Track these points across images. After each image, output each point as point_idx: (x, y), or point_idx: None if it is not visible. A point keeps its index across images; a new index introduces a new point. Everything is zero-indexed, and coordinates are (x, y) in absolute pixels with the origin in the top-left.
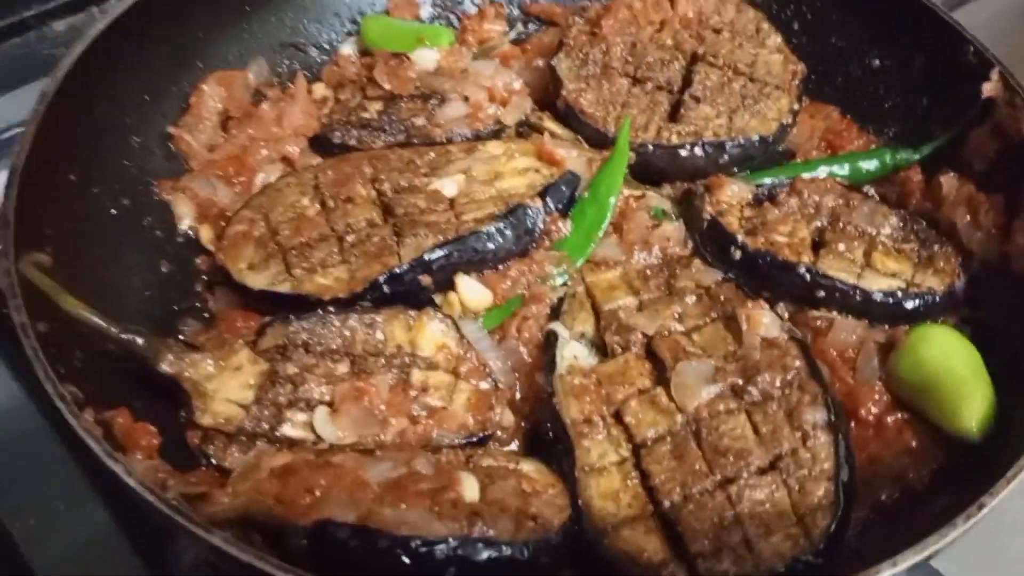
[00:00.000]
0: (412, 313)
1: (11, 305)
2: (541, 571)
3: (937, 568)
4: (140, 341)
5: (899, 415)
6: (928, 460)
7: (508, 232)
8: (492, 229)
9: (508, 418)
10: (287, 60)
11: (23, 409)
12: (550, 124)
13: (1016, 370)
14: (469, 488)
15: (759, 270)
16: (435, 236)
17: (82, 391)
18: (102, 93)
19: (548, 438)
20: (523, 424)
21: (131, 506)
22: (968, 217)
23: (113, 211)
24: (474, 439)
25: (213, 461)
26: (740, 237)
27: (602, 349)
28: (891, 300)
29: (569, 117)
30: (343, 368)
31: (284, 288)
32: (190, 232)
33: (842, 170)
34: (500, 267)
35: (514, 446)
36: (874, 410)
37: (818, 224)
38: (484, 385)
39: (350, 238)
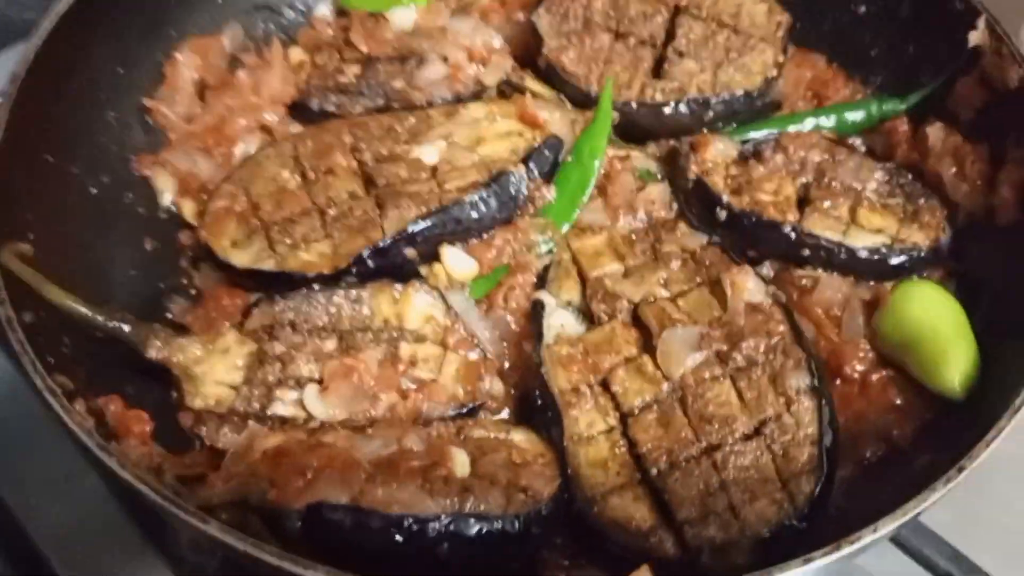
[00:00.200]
0: (398, 286)
1: None
2: (532, 542)
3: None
4: (126, 328)
5: (884, 372)
6: (912, 417)
7: (492, 200)
8: (475, 198)
9: (498, 387)
10: (262, 23)
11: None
12: (532, 83)
13: (1000, 325)
14: (460, 464)
15: (744, 230)
16: (418, 207)
17: (72, 379)
18: (75, 69)
19: (537, 405)
20: (513, 392)
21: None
22: (954, 168)
23: (93, 190)
24: (464, 410)
25: (207, 442)
26: (725, 197)
27: (589, 316)
28: (876, 257)
29: (551, 75)
30: (331, 345)
31: (268, 265)
32: (172, 207)
33: (828, 121)
34: (485, 236)
35: (504, 414)
36: (859, 368)
37: (804, 181)
38: (472, 356)
39: (332, 212)
